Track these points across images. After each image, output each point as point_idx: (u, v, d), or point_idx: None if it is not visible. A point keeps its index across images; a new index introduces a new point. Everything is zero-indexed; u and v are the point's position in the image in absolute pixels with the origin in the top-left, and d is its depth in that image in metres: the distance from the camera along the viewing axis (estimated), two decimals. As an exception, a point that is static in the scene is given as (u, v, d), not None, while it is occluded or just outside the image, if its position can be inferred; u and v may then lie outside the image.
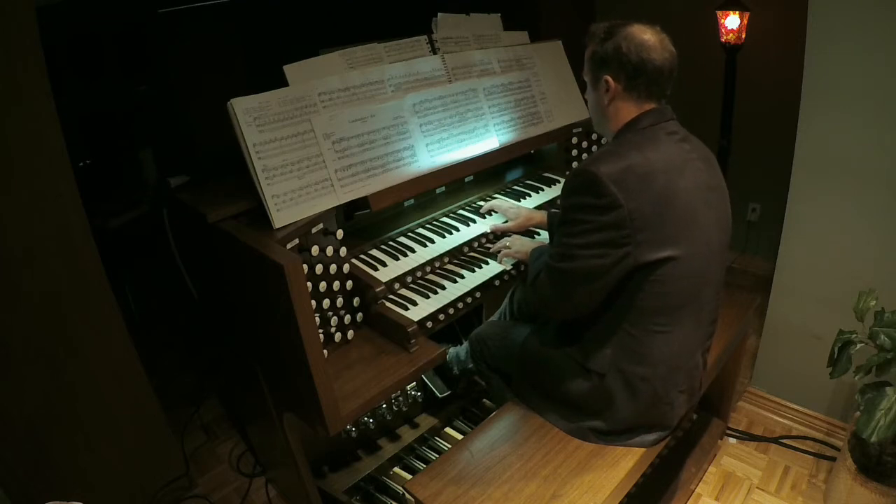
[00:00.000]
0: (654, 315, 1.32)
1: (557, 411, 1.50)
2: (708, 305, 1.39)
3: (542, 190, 2.13)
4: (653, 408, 1.40)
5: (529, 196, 2.10)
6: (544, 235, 1.95)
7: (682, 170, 1.28)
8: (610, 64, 1.31)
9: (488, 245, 1.91)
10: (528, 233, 1.97)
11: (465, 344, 1.93)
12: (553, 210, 2.03)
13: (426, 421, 2.20)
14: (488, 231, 1.91)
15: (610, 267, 1.25)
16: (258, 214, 1.54)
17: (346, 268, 1.61)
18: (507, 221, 1.93)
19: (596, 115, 1.42)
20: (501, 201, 2.01)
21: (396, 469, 2.06)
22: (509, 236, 1.91)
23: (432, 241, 1.82)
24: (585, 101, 1.49)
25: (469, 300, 1.73)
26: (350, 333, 1.62)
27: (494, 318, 2.07)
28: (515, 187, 2.16)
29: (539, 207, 2.03)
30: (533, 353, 1.56)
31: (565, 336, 1.48)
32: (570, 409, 1.47)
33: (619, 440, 1.44)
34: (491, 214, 1.98)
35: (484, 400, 2.29)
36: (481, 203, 2.04)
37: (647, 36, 1.29)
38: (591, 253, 1.25)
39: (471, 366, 1.89)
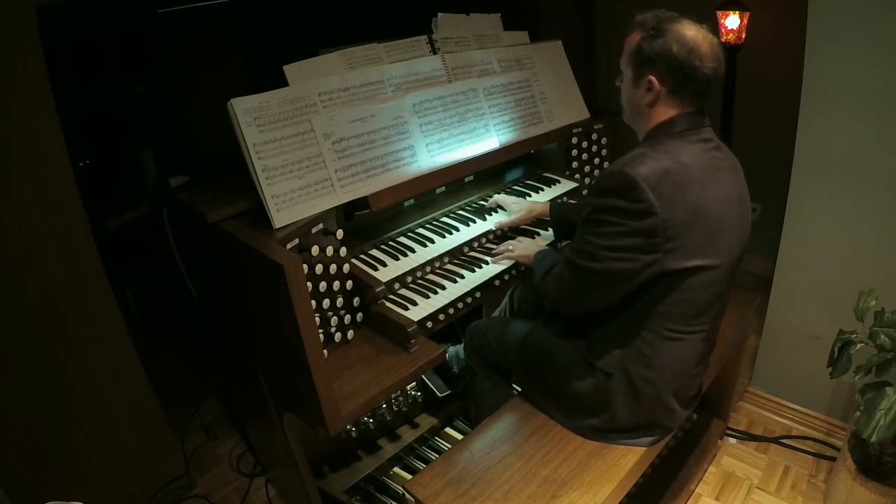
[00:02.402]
0: (672, 321, 1.31)
1: (558, 406, 1.50)
2: (720, 314, 1.40)
3: (542, 190, 2.13)
4: (653, 411, 1.40)
5: (529, 196, 2.09)
6: (545, 235, 1.96)
7: (714, 180, 1.26)
8: (657, 65, 1.25)
9: (488, 245, 1.91)
10: (529, 233, 1.97)
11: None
12: (558, 201, 2.04)
13: (426, 421, 2.20)
14: (493, 228, 1.91)
15: (635, 272, 1.24)
16: (258, 214, 1.54)
17: (346, 268, 1.61)
18: (511, 216, 1.93)
19: (630, 109, 1.37)
20: (505, 196, 2.02)
21: (396, 469, 2.06)
22: (513, 237, 1.92)
23: (432, 241, 1.82)
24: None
25: (469, 300, 1.73)
26: (350, 333, 1.62)
27: (495, 314, 2.07)
28: (515, 187, 2.16)
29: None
30: (536, 346, 1.55)
31: (573, 331, 1.47)
32: (571, 405, 1.47)
33: (618, 439, 1.44)
34: (497, 211, 1.99)
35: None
36: (482, 203, 2.04)
37: (698, 38, 1.22)
38: (618, 256, 1.23)
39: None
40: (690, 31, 1.23)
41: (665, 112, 1.29)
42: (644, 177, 1.17)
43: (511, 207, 1.95)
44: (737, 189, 1.34)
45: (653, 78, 1.26)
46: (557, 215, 1.84)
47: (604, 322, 1.38)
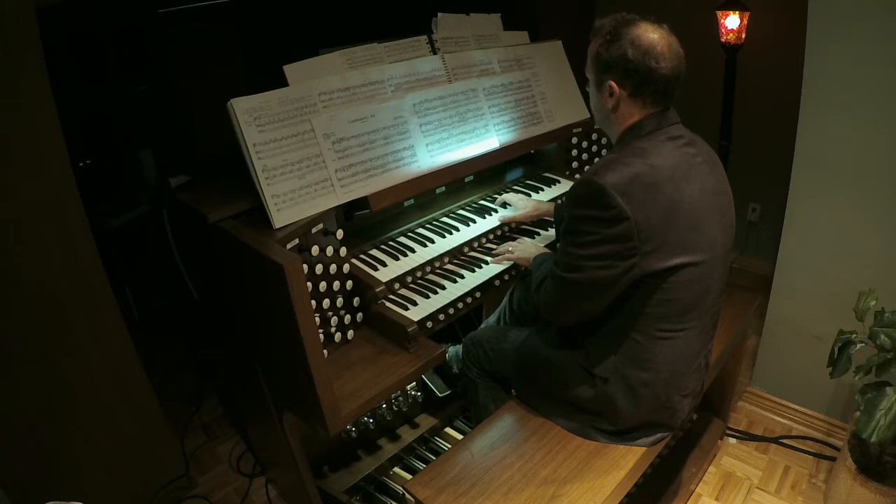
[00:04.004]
0: (661, 321, 1.31)
1: (560, 411, 1.50)
2: (712, 309, 1.39)
3: (543, 190, 2.13)
4: (655, 411, 1.40)
5: (530, 196, 2.09)
6: (545, 235, 1.96)
7: (688, 176, 1.26)
8: (615, 69, 1.27)
9: (489, 245, 1.92)
10: (529, 234, 1.97)
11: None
12: (559, 202, 2.05)
13: (426, 421, 2.20)
14: (498, 223, 1.92)
15: (617, 278, 1.24)
16: (258, 214, 1.54)
17: (346, 268, 1.61)
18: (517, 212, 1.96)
19: (598, 114, 1.40)
20: (511, 194, 2.03)
21: (396, 469, 2.06)
22: (514, 238, 1.92)
23: (432, 241, 1.82)
24: (586, 99, 1.47)
25: (469, 300, 1.73)
26: (350, 333, 1.62)
27: (493, 318, 2.07)
28: (515, 187, 2.16)
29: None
30: (533, 354, 1.56)
31: (568, 339, 1.47)
32: (573, 409, 1.47)
33: (622, 439, 1.44)
34: (505, 207, 2.01)
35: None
36: (482, 203, 2.05)
37: (655, 39, 1.23)
38: (598, 264, 1.24)
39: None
40: (647, 33, 1.25)
41: (630, 115, 1.31)
42: (612, 183, 1.19)
43: (517, 204, 1.97)
44: (714, 182, 1.34)
45: (612, 83, 1.29)
46: (560, 216, 1.85)
47: (596, 328, 1.39)
